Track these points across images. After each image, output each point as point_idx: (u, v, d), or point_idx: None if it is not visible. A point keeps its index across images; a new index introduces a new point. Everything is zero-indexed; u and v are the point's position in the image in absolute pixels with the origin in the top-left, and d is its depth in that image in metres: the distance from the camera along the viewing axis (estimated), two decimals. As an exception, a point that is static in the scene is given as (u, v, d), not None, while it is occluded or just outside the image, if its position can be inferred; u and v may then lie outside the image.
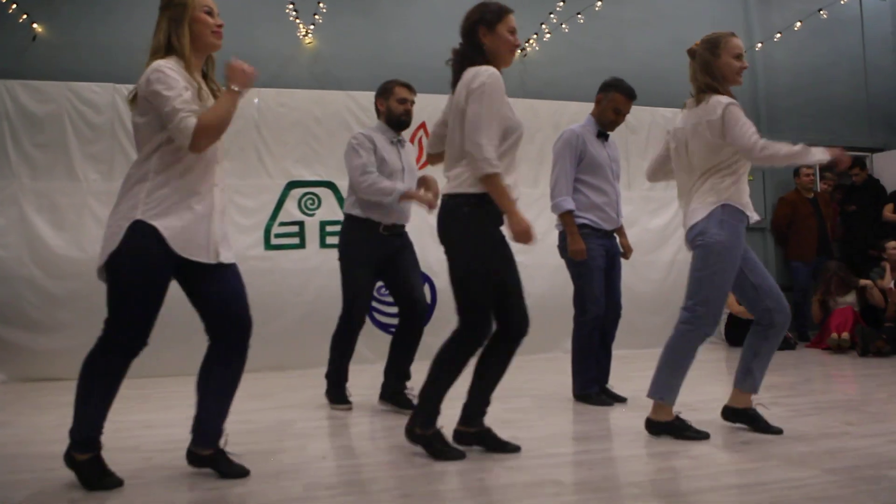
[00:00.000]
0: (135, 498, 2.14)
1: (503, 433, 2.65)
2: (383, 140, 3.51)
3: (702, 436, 2.76)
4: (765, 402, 2.97)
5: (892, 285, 5.76)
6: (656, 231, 6.06)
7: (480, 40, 2.52)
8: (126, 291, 2.17)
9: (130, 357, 2.22)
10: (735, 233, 2.75)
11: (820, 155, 2.68)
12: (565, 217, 3.53)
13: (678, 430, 2.79)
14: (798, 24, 6.63)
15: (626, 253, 3.78)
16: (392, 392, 3.48)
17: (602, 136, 3.67)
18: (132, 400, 3.61)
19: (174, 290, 2.27)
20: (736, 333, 5.84)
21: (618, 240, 3.75)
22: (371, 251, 3.45)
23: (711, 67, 2.81)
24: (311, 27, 5.75)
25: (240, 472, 2.33)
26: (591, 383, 3.59)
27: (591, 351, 3.58)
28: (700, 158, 2.82)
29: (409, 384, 3.48)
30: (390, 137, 3.54)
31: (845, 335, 5.52)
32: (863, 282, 5.86)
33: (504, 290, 2.53)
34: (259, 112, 5.26)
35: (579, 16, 6.17)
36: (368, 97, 5.05)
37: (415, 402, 3.29)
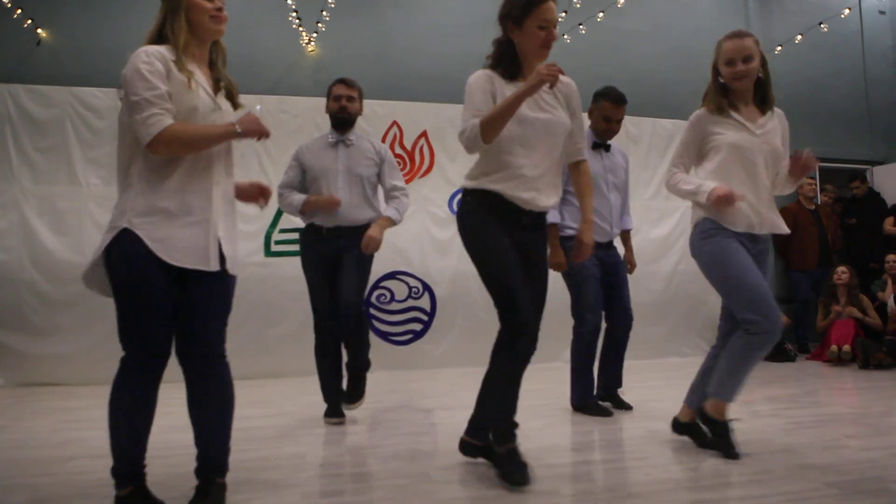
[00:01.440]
0: (131, 504, 2.12)
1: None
2: (318, 145, 3.51)
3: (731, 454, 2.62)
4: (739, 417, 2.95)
5: (891, 299, 5.76)
6: (658, 241, 6.06)
7: (509, 36, 2.39)
8: (125, 301, 1.97)
9: (150, 374, 2.00)
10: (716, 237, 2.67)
11: (705, 195, 2.59)
12: (549, 229, 3.51)
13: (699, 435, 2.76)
14: (799, 37, 6.66)
15: (630, 267, 3.78)
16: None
17: (600, 147, 3.67)
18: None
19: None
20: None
21: (620, 252, 3.75)
22: (317, 250, 3.43)
23: (715, 74, 2.79)
24: (314, 35, 5.78)
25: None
26: (590, 394, 3.58)
27: (590, 361, 3.57)
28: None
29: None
30: (332, 139, 3.51)
31: (846, 347, 5.51)
32: (849, 309, 5.77)
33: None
34: (261, 118, 5.26)
35: (581, 27, 6.20)
36: (371, 105, 5.07)
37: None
